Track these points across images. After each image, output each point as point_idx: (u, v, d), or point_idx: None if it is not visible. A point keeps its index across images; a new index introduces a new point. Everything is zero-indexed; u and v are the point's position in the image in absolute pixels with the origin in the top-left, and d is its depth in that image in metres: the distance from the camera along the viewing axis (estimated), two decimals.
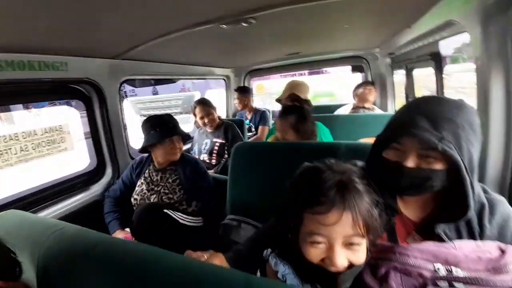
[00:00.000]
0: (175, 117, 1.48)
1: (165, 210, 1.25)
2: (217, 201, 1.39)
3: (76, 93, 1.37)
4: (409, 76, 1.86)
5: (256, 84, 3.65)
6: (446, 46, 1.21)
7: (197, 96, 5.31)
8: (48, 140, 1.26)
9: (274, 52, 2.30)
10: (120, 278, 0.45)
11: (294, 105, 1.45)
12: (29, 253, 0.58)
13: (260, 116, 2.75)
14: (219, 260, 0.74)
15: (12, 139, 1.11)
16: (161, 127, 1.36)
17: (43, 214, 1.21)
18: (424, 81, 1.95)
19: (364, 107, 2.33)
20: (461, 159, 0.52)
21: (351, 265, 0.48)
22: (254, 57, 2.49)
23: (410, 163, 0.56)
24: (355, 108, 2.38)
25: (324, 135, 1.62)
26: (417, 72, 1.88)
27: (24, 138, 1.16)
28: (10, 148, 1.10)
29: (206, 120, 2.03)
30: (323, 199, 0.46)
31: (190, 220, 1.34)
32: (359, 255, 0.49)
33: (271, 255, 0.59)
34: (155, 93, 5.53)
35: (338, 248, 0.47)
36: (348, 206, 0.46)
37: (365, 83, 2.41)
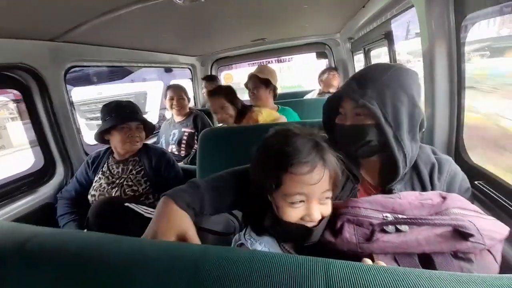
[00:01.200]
0: None
1: (127, 204, 1.14)
2: None
3: (10, 81, 1.18)
4: (366, 57, 1.97)
5: (224, 74, 3.56)
6: (397, 25, 1.29)
7: (150, 92, 4.91)
8: None
9: (240, 38, 2.25)
10: (59, 270, 0.39)
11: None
12: None
13: None
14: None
15: None
16: (118, 112, 1.26)
17: None
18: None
19: (329, 92, 2.42)
20: (383, 113, 0.59)
21: (322, 218, 0.51)
22: (219, 44, 2.42)
23: (348, 121, 0.64)
24: (321, 93, 2.47)
25: (294, 119, 1.64)
26: (374, 53, 1.99)
27: None
28: None
29: (174, 102, 1.96)
30: (305, 159, 0.48)
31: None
32: (328, 208, 0.52)
33: (246, 236, 0.58)
34: (99, 92, 4.63)
35: (316, 204, 0.50)
36: (326, 165, 0.50)
37: (328, 69, 2.50)
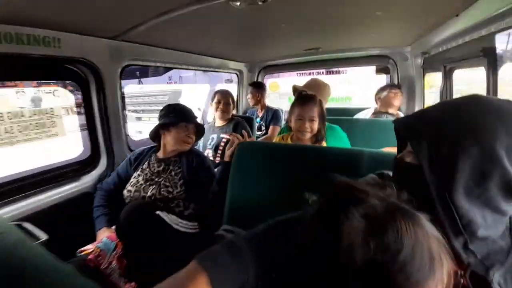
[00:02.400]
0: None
1: (158, 212, 1.11)
2: (215, 205, 1.23)
3: (71, 74, 1.26)
4: (447, 78, 1.62)
5: (270, 82, 3.48)
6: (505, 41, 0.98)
7: (184, 91, 4.95)
8: (37, 123, 1.15)
9: (292, 47, 2.13)
10: None
11: (312, 95, 1.32)
12: None
13: (272, 115, 2.61)
14: None
15: None
16: (179, 112, 1.31)
17: (25, 203, 1.10)
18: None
19: (387, 113, 2.10)
20: (430, 156, 0.45)
21: None
22: (270, 51, 2.34)
23: (402, 155, 0.54)
24: (377, 113, 2.16)
25: (341, 140, 1.43)
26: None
27: (10, 119, 1.06)
28: None
29: (221, 105, 1.95)
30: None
31: (184, 226, 1.20)
32: None
33: None
34: (140, 87, 5.11)
35: None
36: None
37: (390, 86, 2.18)
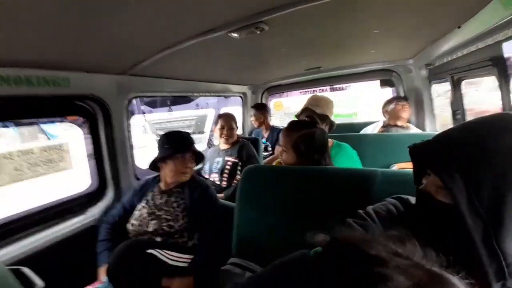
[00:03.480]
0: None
1: (150, 251, 1.06)
2: (220, 237, 1.18)
3: (80, 110, 1.31)
4: (456, 88, 1.57)
5: (274, 102, 3.51)
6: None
7: (211, 115, 5.30)
8: (46, 159, 1.18)
9: (293, 67, 2.17)
10: None
11: (306, 121, 1.25)
12: None
13: (277, 135, 2.58)
14: None
15: (6, 158, 1.03)
16: (174, 142, 1.28)
17: (27, 241, 1.08)
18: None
19: (396, 125, 2.05)
20: (469, 197, 0.38)
21: None
22: (271, 73, 2.39)
23: (427, 190, 0.47)
24: (386, 126, 2.10)
25: (351, 159, 1.37)
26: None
27: (19, 157, 1.08)
28: (3, 167, 1.02)
29: (224, 131, 1.93)
30: None
31: (184, 260, 1.14)
32: None
33: None
34: (169, 113, 5.79)
35: None
36: None
37: (396, 99, 2.14)
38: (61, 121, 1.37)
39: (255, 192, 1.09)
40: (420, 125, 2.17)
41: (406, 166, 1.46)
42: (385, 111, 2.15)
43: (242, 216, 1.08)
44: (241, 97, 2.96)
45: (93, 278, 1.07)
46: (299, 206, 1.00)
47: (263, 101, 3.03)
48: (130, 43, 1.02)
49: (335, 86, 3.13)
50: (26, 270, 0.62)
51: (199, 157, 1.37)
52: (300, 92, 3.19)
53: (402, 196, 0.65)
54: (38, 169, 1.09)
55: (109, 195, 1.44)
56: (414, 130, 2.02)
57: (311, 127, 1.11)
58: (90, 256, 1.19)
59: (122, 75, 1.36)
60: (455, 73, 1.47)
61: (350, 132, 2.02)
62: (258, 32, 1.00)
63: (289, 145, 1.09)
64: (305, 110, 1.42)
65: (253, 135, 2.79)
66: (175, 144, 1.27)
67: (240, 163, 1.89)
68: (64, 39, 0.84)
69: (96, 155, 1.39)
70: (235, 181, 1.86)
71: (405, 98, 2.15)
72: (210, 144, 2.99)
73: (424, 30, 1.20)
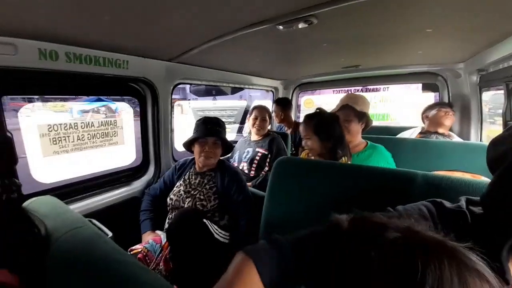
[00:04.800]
0: (230, 125, 1.47)
1: (205, 220, 1.17)
2: (252, 221, 1.25)
3: (133, 91, 1.45)
4: (511, 98, 1.44)
5: (305, 99, 3.47)
6: None
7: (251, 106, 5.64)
8: (102, 132, 1.34)
9: (330, 64, 2.12)
10: None
11: (317, 112, 1.33)
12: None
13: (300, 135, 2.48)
14: None
15: (71, 127, 1.20)
16: (202, 127, 1.36)
17: (85, 202, 1.25)
18: None
19: (437, 133, 1.93)
20: None
21: None
22: (306, 68, 2.34)
23: None
24: (425, 132, 1.99)
25: (385, 161, 1.34)
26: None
27: (82, 128, 1.25)
28: (68, 136, 1.19)
29: (257, 122, 1.99)
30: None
31: (223, 236, 1.23)
32: None
33: None
34: (214, 102, 6.19)
35: None
36: None
37: (440, 104, 2.01)
38: (122, 100, 1.52)
39: (285, 182, 1.12)
40: (464, 134, 2.02)
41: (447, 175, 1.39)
42: (425, 117, 2.03)
43: (272, 204, 1.12)
44: (272, 91, 2.98)
45: (136, 243, 1.21)
46: (328, 200, 1.01)
47: (294, 98, 3.01)
48: (183, 32, 1.10)
49: (370, 87, 2.99)
50: (96, 222, 0.74)
51: (226, 144, 1.42)
52: (333, 91, 3.11)
53: (436, 199, 0.63)
54: (96, 141, 1.24)
55: (151, 171, 1.58)
56: (456, 139, 1.90)
57: (326, 117, 1.27)
58: (132, 224, 1.33)
59: (170, 62, 1.47)
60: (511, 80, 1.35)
61: (386, 135, 1.95)
62: (306, 25, 1.02)
63: (311, 131, 1.23)
64: (344, 106, 1.41)
65: (282, 130, 2.78)
66: (202, 129, 1.35)
67: (269, 155, 1.94)
68: (128, 25, 0.94)
69: (143, 134, 1.53)
70: (263, 172, 1.92)
71: (449, 105, 2.01)
72: (240, 133, 3.04)
73: (481, 32, 1.12)
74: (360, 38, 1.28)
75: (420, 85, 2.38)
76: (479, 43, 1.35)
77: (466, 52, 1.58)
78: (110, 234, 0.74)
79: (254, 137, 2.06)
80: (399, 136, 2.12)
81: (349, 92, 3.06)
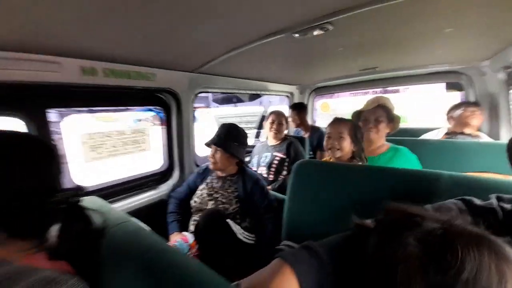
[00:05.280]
0: (250, 131, 1.53)
1: (228, 220, 1.23)
2: (273, 224, 1.28)
3: (159, 101, 1.56)
4: None
5: (321, 102, 3.46)
6: None
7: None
8: (133, 140, 1.45)
9: (346, 67, 2.11)
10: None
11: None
12: None
13: (318, 138, 2.42)
14: None
15: (107, 136, 1.32)
16: (216, 134, 1.43)
17: (118, 204, 1.36)
18: None
19: (463, 133, 1.85)
20: None
21: None
22: (322, 72, 2.34)
23: None
24: (451, 133, 1.92)
25: (410, 163, 1.31)
26: None
27: (116, 136, 1.36)
28: (104, 143, 1.31)
29: (274, 126, 2.03)
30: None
31: (246, 236, 1.28)
32: None
33: None
34: (235, 109, 6.45)
35: None
36: None
37: (465, 104, 1.93)
38: (149, 110, 1.64)
39: (306, 184, 1.12)
40: (494, 134, 1.91)
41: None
42: (450, 117, 1.96)
43: (293, 206, 1.13)
44: (288, 96, 3.01)
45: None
46: (350, 202, 1.00)
47: (310, 102, 3.02)
48: (203, 46, 1.18)
49: (388, 88, 2.92)
50: (135, 219, 0.82)
51: (233, 152, 1.40)
52: (350, 93, 3.08)
53: (466, 197, 0.63)
54: (127, 148, 1.36)
55: (175, 175, 1.68)
56: (485, 139, 1.80)
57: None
58: (159, 225, 1.41)
59: (192, 73, 1.57)
60: None
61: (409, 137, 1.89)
62: (322, 32, 1.05)
63: (347, 132, 1.25)
64: (377, 107, 1.38)
65: (299, 134, 2.79)
66: (215, 136, 1.43)
67: (287, 159, 1.96)
68: (156, 42, 1.03)
69: (168, 141, 1.64)
70: (281, 176, 1.94)
71: (475, 104, 1.92)
72: (257, 138, 3.08)
73: (507, 27, 1.08)
74: (377, 41, 1.28)
75: (442, 85, 2.29)
76: (504, 39, 1.30)
77: (490, 49, 1.52)
78: (148, 228, 0.81)
79: (272, 142, 2.10)
80: (422, 137, 2.05)
81: (368, 93, 3.03)
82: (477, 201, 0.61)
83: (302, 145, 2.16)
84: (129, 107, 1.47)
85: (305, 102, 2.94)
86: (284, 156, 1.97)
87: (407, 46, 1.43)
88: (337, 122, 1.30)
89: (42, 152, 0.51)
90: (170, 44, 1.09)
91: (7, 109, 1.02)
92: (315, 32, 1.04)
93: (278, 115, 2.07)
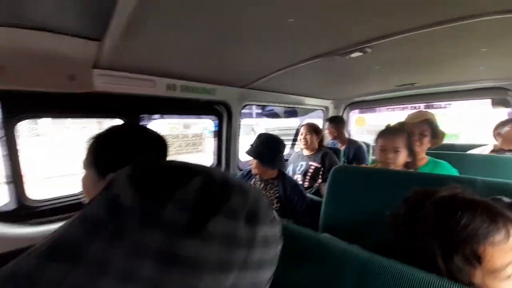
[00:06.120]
0: (289, 142, 1.68)
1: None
2: (311, 226, 1.40)
3: (215, 111, 1.86)
4: None
5: (356, 117, 3.48)
6: None
7: None
8: (193, 142, 1.74)
9: (382, 83, 2.15)
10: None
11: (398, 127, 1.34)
12: None
13: (354, 152, 2.45)
14: None
15: (175, 137, 1.62)
16: (253, 144, 1.58)
17: None
18: None
19: (510, 150, 1.78)
20: None
21: None
22: (358, 88, 2.42)
23: None
24: (498, 150, 1.85)
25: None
26: None
27: (182, 138, 1.66)
28: (173, 144, 1.61)
29: (303, 137, 2.15)
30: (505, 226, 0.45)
31: None
32: None
33: None
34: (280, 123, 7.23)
35: None
36: None
37: None
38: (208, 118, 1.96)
39: (342, 189, 1.17)
40: None
41: None
42: (497, 134, 1.89)
43: (329, 209, 1.19)
44: (322, 110, 3.13)
45: None
46: (385, 206, 1.06)
47: (345, 116, 3.08)
48: (255, 67, 1.42)
49: (431, 104, 2.84)
50: None
51: (267, 163, 1.53)
52: (387, 108, 3.08)
53: (496, 196, 0.68)
54: (188, 148, 1.64)
55: None
56: None
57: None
58: None
59: (242, 88, 1.84)
60: None
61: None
62: (361, 54, 1.19)
63: (403, 145, 1.21)
64: (425, 121, 1.40)
65: (333, 145, 2.85)
66: (252, 145, 1.57)
67: (322, 168, 2.08)
68: (218, 64, 1.30)
69: (218, 145, 1.91)
70: (316, 184, 2.06)
71: None
72: (292, 148, 3.19)
73: None
74: (414, 59, 1.35)
75: (487, 101, 2.21)
76: None
77: None
78: None
79: (306, 152, 2.21)
80: (469, 152, 1.99)
81: (406, 109, 2.99)
82: (507, 199, 0.69)
83: (337, 156, 2.25)
84: (191, 115, 1.78)
85: (341, 116, 3.00)
86: (319, 165, 2.09)
87: (446, 63, 1.48)
88: (392, 133, 1.24)
89: (155, 139, 0.73)
90: (229, 65, 1.35)
91: (113, 113, 1.38)
92: (353, 55, 1.18)
93: (307, 126, 2.19)
